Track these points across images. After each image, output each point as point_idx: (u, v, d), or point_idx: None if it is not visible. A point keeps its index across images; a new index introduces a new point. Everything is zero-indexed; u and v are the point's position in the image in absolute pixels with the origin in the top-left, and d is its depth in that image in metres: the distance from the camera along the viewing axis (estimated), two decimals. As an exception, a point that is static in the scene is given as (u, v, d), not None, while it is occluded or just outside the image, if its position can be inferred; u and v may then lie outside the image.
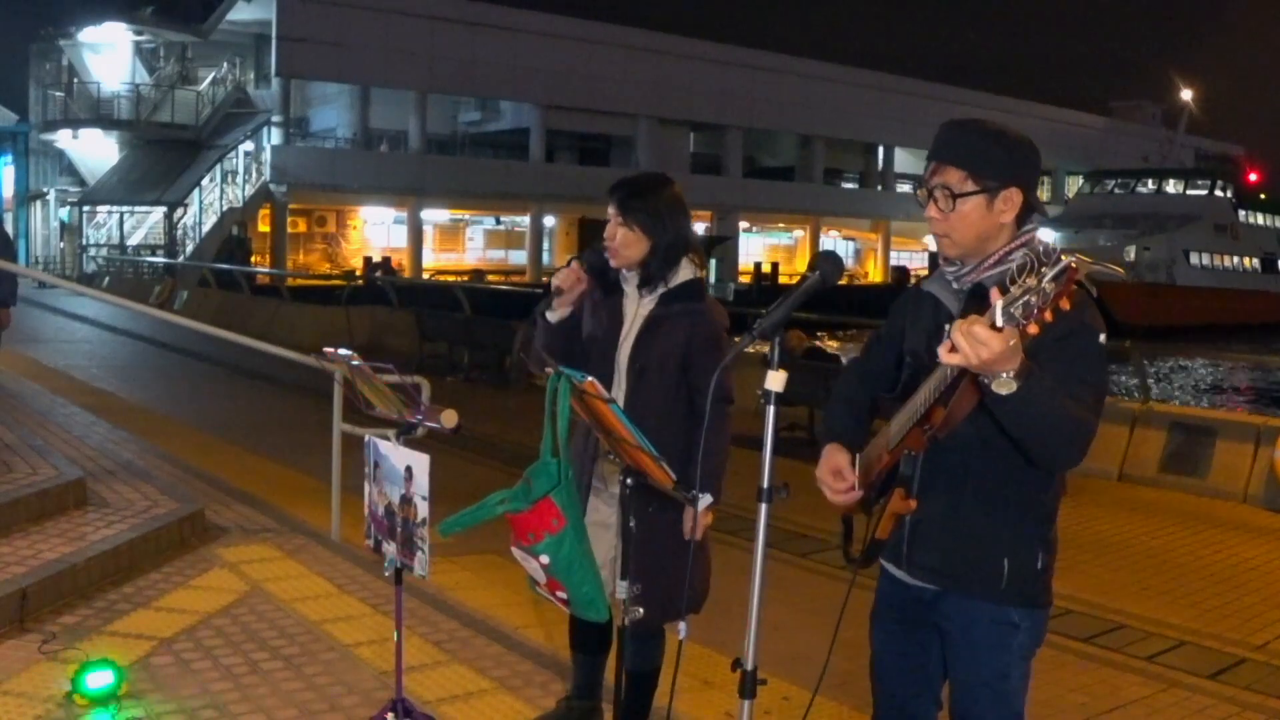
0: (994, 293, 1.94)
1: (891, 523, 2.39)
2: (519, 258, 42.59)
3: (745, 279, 43.39)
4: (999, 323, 1.89)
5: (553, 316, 3.41)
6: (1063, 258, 1.89)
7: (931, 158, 2.39)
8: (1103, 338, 2.25)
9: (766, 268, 42.91)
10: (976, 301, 2.26)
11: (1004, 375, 1.97)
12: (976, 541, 2.39)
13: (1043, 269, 1.87)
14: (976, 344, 1.91)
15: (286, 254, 36.26)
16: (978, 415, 2.19)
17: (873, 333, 2.77)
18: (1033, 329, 1.89)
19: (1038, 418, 2.08)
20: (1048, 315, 1.88)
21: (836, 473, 2.50)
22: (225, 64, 37.64)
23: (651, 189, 3.40)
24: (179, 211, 35.44)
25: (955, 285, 2.42)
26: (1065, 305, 1.88)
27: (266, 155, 35.85)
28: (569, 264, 3.42)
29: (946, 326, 2.06)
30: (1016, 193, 2.34)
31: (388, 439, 3.24)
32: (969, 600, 2.42)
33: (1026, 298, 1.86)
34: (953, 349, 1.95)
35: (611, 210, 3.36)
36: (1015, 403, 2.01)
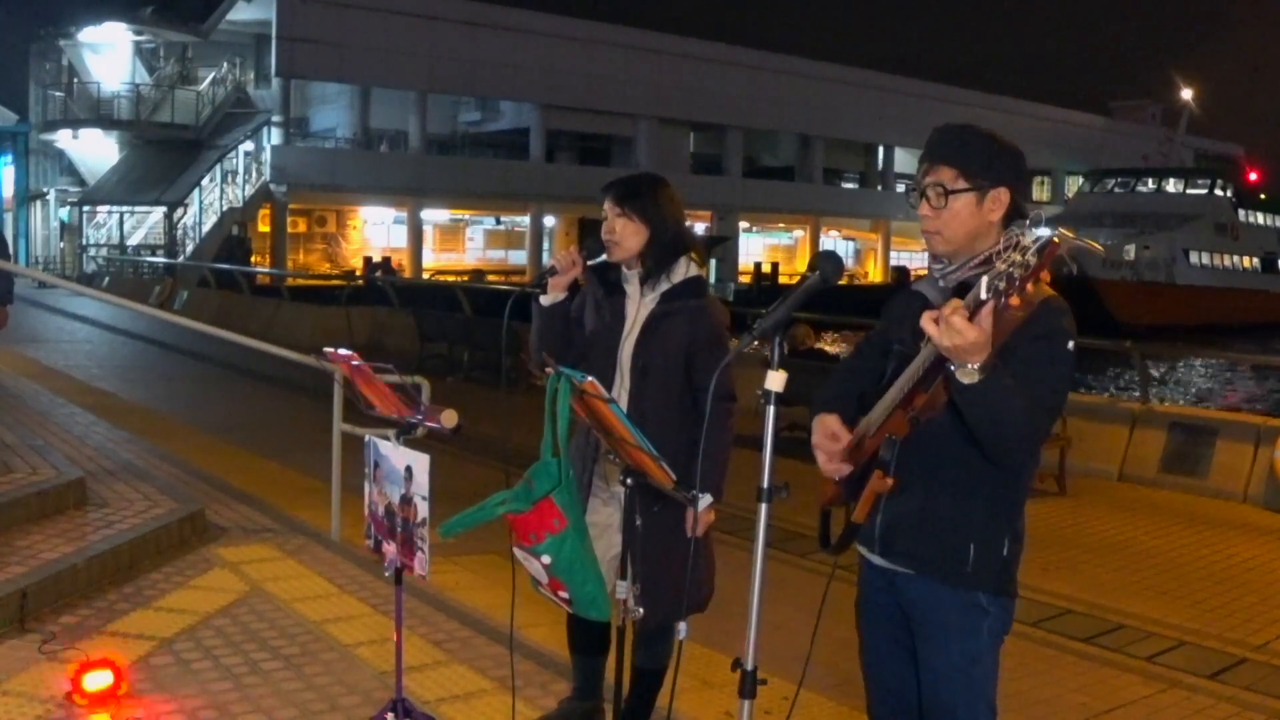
0: (982, 283, 2.04)
1: (869, 505, 2.44)
2: (519, 258, 42.57)
3: (745, 279, 43.39)
4: (984, 295, 1.99)
5: (546, 300, 3.44)
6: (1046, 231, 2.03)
7: (925, 159, 2.51)
8: (1071, 345, 2.35)
9: (766, 268, 42.90)
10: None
11: (969, 366, 2.09)
12: (946, 528, 2.47)
13: (1026, 243, 1.97)
14: (950, 331, 2.03)
15: (286, 254, 36.25)
16: (955, 409, 2.28)
17: (866, 335, 2.85)
18: (1015, 300, 1.99)
19: (993, 411, 2.19)
20: (1030, 287, 1.99)
21: (831, 435, 2.55)
22: (225, 64, 37.61)
23: (646, 184, 3.44)
24: (179, 211, 35.43)
25: (942, 283, 2.51)
26: (1047, 277, 2.00)
27: (266, 155, 35.84)
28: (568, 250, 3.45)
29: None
30: (1005, 193, 2.44)
31: (388, 439, 3.24)
32: (938, 585, 2.49)
33: (1010, 270, 1.96)
34: (936, 320, 2.07)
35: (608, 205, 3.38)
36: (975, 394, 2.13)
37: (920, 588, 2.51)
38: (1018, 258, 1.95)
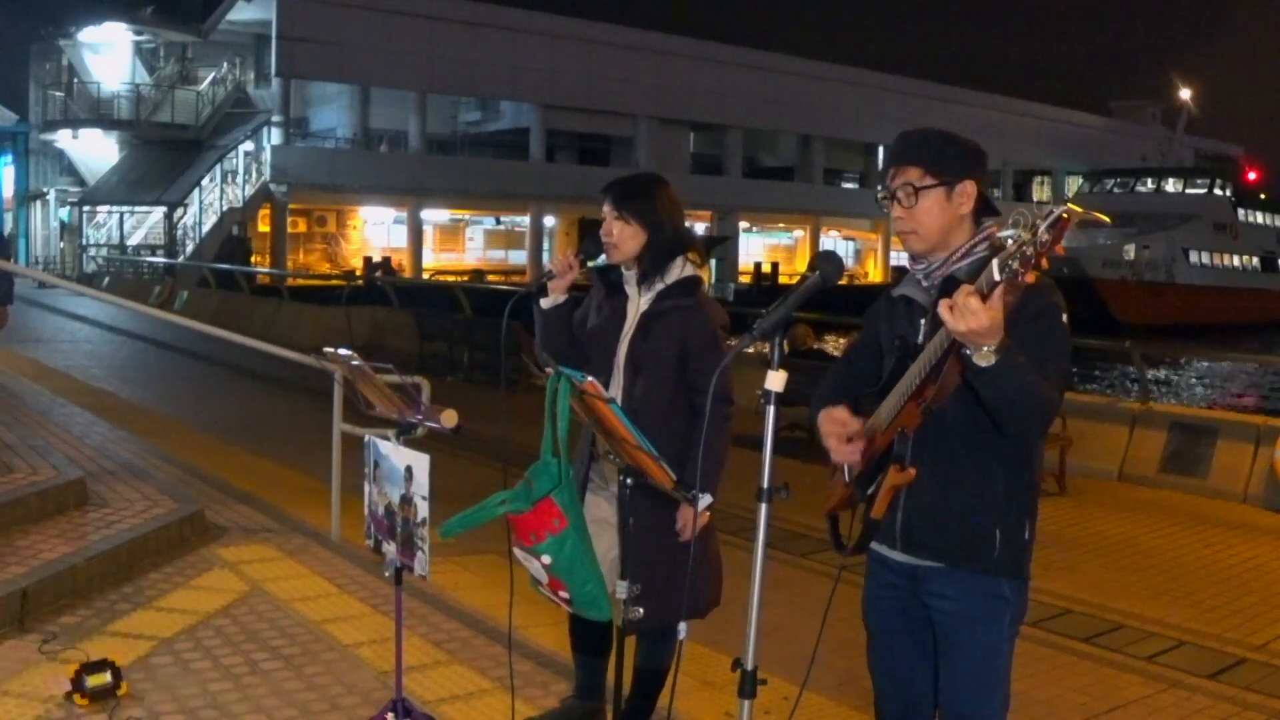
0: (994, 265, 2.07)
1: (888, 499, 2.45)
2: (519, 258, 42.56)
3: (745, 279, 43.37)
4: (996, 277, 2.03)
5: (546, 303, 3.45)
6: (1054, 209, 2.02)
7: (891, 164, 2.55)
8: (1065, 318, 2.43)
9: (766, 268, 42.88)
10: (949, 295, 2.33)
11: (985, 349, 2.14)
12: (970, 516, 2.49)
13: (1037, 221, 2.00)
14: (966, 315, 2.07)
15: (286, 254, 36.23)
16: (968, 392, 2.31)
17: (848, 344, 2.87)
18: (1030, 278, 2.04)
19: (1011, 390, 2.24)
20: (1045, 263, 2.03)
21: (840, 421, 2.53)
22: (225, 64, 37.61)
23: (645, 185, 3.45)
24: (179, 211, 35.41)
25: (925, 283, 2.54)
26: (1060, 251, 2.02)
27: (266, 155, 35.82)
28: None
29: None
30: (972, 185, 2.51)
31: (388, 439, 3.24)
32: (964, 575, 2.51)
33: (1024, 249, 1.99)
34: (951, 308, 2.10)
35: (606, 208, 3.39)
36: (992, 375, 2.18)
37: (945, 580, 2.53)
38: (1028, 236, 1.99)
